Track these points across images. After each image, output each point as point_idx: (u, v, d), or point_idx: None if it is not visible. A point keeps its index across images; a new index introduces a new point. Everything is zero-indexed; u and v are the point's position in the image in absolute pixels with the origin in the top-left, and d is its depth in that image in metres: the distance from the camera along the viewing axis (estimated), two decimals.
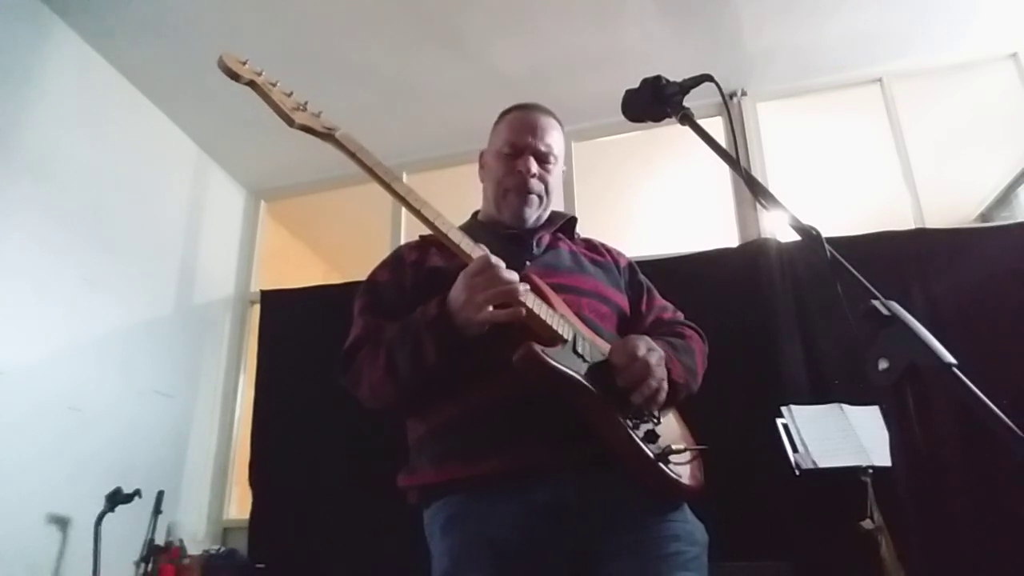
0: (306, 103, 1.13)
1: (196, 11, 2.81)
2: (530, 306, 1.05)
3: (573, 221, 1.44)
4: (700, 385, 1.29)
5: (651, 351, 1.11)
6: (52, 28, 2.77)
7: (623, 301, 1.32)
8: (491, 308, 1.02)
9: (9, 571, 2.28)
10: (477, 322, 1.03)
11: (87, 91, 2.94)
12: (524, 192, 1.31)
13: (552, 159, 1.34)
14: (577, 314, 1.16)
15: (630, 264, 1.44)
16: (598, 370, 1.08)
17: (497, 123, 1.41)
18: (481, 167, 1.43)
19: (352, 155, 1.12)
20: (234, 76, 1.09)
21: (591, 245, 1.43)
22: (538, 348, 1.01)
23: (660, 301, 1.42)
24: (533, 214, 1.33)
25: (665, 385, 1.12)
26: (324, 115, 1.15)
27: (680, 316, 1.41)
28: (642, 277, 1.43)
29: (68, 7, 2.76)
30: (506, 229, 1.33)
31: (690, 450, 1.14)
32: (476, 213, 1.44)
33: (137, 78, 3.15)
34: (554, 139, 1.35)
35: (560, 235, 1.40)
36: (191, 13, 2.82)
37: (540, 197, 1.33)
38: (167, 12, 2.81)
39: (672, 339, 1.27)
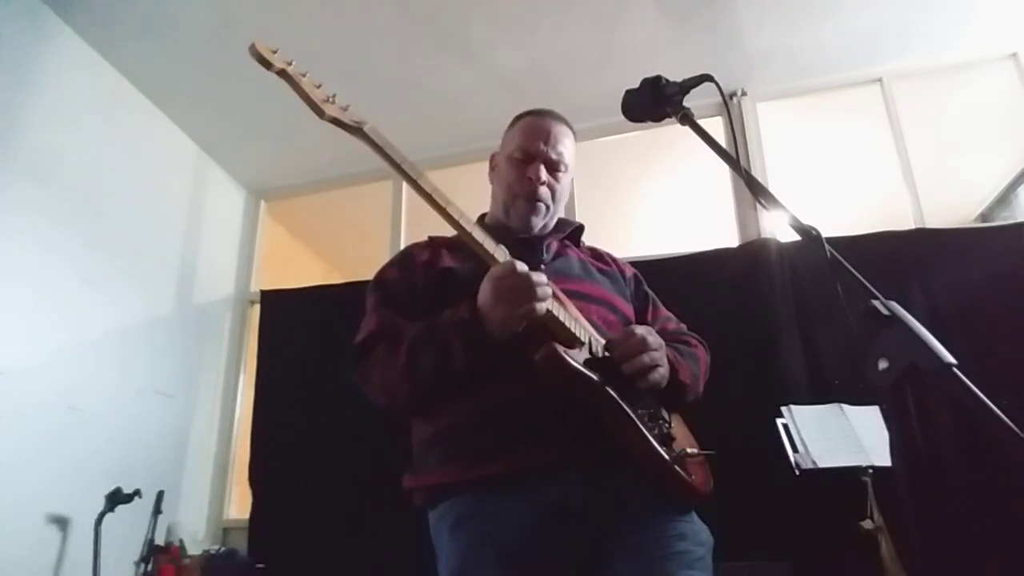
0: (334, 96, 1.13)
1: (196, 12, 2.81)
2: (549, 307, 1.06)
3: (580, 229, 1.45)
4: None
5: (651, 335, 1.14)
6: (52, 28, 2.77)
7: (629, 310, 1.34)
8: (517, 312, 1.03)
9: (9, 571, 2.28)
10: (512, 327, 1.04)
11: (87, 91, 2.94)
12: (533, 199, 1.32)
13: (563, 167, 1.35)
14: (587, 320, 1.18)
15: (636, 275, 1.46)
16: (606, 363, 1.10)
17: (510, 127, 1.42)
18: (492, 169, 1.44)
19: (380, 150, 1.12)
20: (266, 64, 1.08)
21: (597, 254, 1.45)
22: (560, 349, 1.03)
23: (664, 312, 1.44)
24: (540, 222, 1.34)
25: (662, 371, 1.14)
26: (352, 108, 1.14)
27: (684, 327, 1.43)
28: (647, 288, 1.45)
29: (68, 7, 2.76)
30: (515, 234, 1.34)
31: (701, 453, 1.16)
32: (482, 216, 1.44)
33: (137, 78, 3.15)
34: (566, 147, 1.36)
35: (568, 242, 1.41)
36: (191, 14, 2.82)
37: (547, 205, 1.34)
38: (167, 12, 2.81)
39: (678, 345, 1.29)
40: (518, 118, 1.42)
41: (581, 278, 1.31)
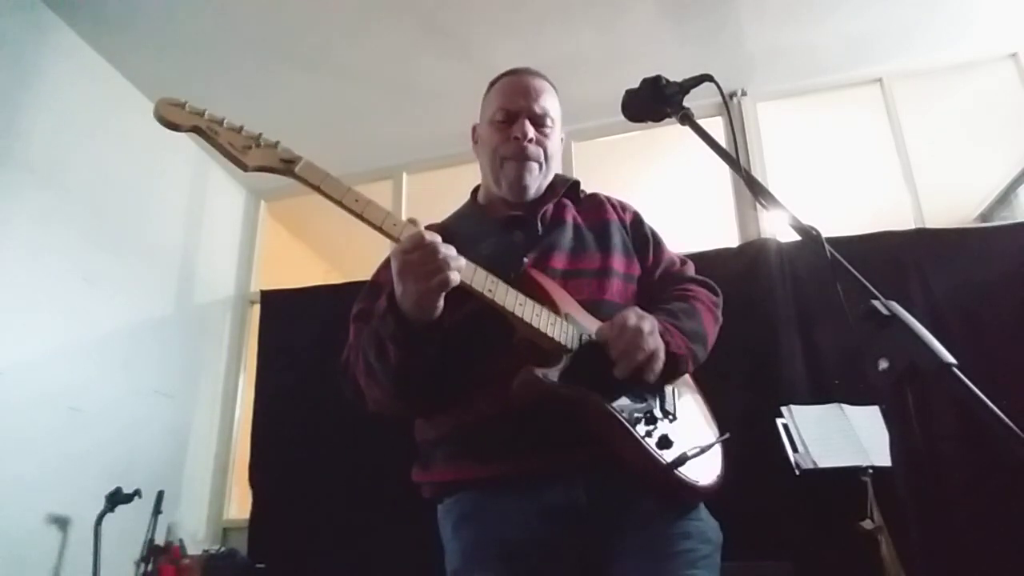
0: (260, 135, 1.01)
1: (196, 12, 2.81)
2: (528, 320, 1.03)
3: (576, 186, 1.35)
4: (702, 374, 1.25)
5: (643, 319, 1.07)
6: (52, 28, 2.77)
7: (632, 267, 1.26)
8: (428, 284, 0.95)
9: (9, 571, 2.28)
10: (430, 303, 0.98)
11: (87, 91, 2.94)
12: (523, 159, 1.23)
13: (549, 122, 1.27)
14: (579, 301, 1.13)
15: (635, 216, 1.37)
16: (594, 359, 1.05)
17: (487, 92, 1.34)
18: (475, 142, 1.36)
19: (316, 188, 1.02)
20: (173, 126, 0.96)
21: (597, 202, 1.36)
22: (538, 372, 1.00)
23: (668, 254, 1.34)
24: (534, 183, 1.25)
25: (661, 354, 1.06)
26: (282, 145, 1.03)
27: (690, 268, 1.35)
28: (648, 228, 1.35)
29: (69, 7, 2.76)
30: (508, 208, 1.27)
31: (705, 450, 1.10)
32: (476, 191, 1.38)
33: (137, 78, 3.15)
34: (549, 102, 1.28)
35: (566, 201, 1.32)
36: (191, 14, 2.82)
37: (539, 164, 1.25)
38: (167, 13, 2.81)
39: (673, 304, 1.21)
40: (493, 81, 1.34)
41: (574, 251, 1.22)
